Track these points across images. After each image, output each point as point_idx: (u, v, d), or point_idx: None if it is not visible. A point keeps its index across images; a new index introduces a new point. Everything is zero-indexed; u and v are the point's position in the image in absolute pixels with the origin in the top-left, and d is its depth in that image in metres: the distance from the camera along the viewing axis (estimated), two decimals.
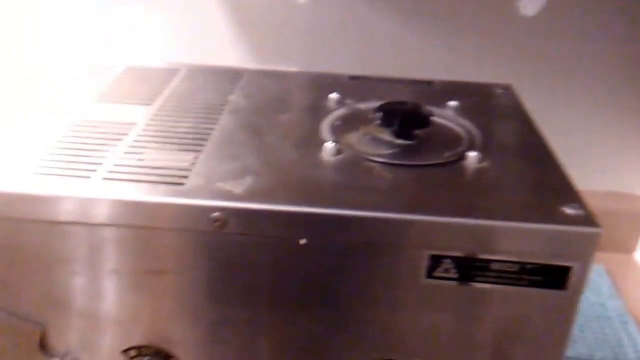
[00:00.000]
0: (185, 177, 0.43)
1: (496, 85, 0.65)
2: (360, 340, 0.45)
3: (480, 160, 0.47)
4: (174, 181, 0.42)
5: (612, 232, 0.87)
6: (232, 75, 0.64)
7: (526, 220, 0.40)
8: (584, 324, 0.77)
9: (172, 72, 0.64)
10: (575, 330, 0.75)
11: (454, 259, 0.41)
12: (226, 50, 0.84)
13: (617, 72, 0.82)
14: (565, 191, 0.43)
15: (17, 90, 0.58)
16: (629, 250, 0.91)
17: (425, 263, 0.41)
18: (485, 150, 0.49)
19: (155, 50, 0.84)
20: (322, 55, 0.84)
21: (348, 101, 0.58)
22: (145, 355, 0.46)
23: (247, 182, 0.43)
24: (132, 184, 0.42)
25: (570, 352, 0.70)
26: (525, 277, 0.41)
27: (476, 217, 0.40)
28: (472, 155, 0.47)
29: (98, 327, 0.45)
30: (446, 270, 0.41)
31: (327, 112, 0.56)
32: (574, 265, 0.40)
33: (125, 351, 0.46)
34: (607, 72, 0.82)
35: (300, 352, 0.45)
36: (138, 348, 0.46)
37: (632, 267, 0.89)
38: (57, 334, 0.46)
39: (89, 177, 0.43)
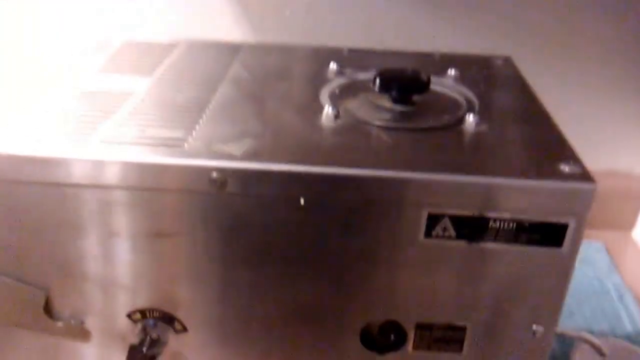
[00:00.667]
0: (185, 140, 0.43)
1: (496, 57, 0.65)
2: (360, 300, 0.45)
3: (479, 124, 0.47)
4: (174, 144, 0.43)
5: (610, 210, 0.88)
6: (231, 49, 0.64)
7: (523, 177, 0.40)
8: (582, 298, 0.77)
9: (171, 46, 0.65)
10: (574, 305, 0.76)
11: (452, 217, 0.41)
12: (225, 25, 0.84)
13: (616, 48, 0.82)
14: (562, 150, 0.44)
15: (20, 65, 0.59)
16: (627, 227, 0.92)
17: (423, 222, 0.41)
18: (483, 115, 0.49)
19: (154, 25, 0.84)
20: (321, 30, 0.84)
21: (347, 71, 0.59)
22: (150, 318, 0.47)
23: (247, 144, 0.43)
24: (132, 146, 0.42)
25: (568, 324, 0.71)
26: (523, 235, 0.41)
27: (474, 175, 0.40)
28: (471, 118, 0.47)
29: (102, 291, 0.46)
30: (444, 229, 0.41)
31: (326, 81, 0.56)
32: (571, 221, 0.40)
33: (130, 314, 0.47)
34: (606, 47, 0.82)
35: (301, 312, 0.46)
36: (142, 311, 0.47)
37: (630, 244, 0.90)
38: (62, 297, 0.46)
39: (91, 141, 0.43)
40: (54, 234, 0.44)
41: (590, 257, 0.85)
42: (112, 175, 0.41)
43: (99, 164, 0.41)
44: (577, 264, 0.42)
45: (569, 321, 0.72)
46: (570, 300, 0.70)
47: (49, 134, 0.44)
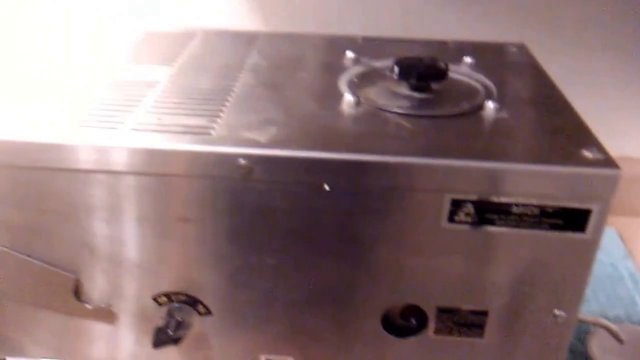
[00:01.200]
0: (211, 127, 0.44)
1: (510, 44, 0.65)
2: (382, 284, 0.46)
3: (499, 110, 0.48)
4: (201, 131, 0.43)
5: (623, 196, 0.88)
6: (248, 38, 0.65)
7: (547, 162, 0.40)
8: (596, 284, 0.78)
9: (189, 35, 0.65)
10: (589, 291, 0.76)
11: (475, 202, 0.42)
12: (236, 15, 0.84)
13: (628, 34, 0.82)
14: (584, 136, 0.44)
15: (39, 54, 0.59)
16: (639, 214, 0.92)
17: (446, 207, 0.42)
18: (502, 101, 0.49)
19: (167, 15, 0.85)
20: (331, 19, 0.84)
21: (364, 60, 0.59)
22: (175, 301, 0.48)
23: (271, 131, 0.44)
24: (160, 134, 0.43)
25: (583, 310, 0.71)
26: (546, 220, 0.42)
27: (497, 160, 0.41)
28: (490, 105, 0.48)
29: (129, 275, 0.47)
30: (467, 214, 0.42)
31: (344, 69, 0.57)
32: (594, 207, 0.41)
33: (156, 298, 0.48)
34: (617, 33, 0.82)
35: (323, 297, 0.47)
36: (167, 294, 0.48)
37: None
38: (90, 281, 0.47)
39: (118, 128, 0.44)
40: (83, 219, 0.44)
41: (604, 243, 0.85)
42: (141, 162, 0.42)
43: (128, 152, 0.42)
44: None
45: (584, 307, 0.73)
46: None
47: (80, 122, 0.45)
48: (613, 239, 0.87)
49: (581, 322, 0.65)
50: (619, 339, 0.63)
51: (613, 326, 0.63)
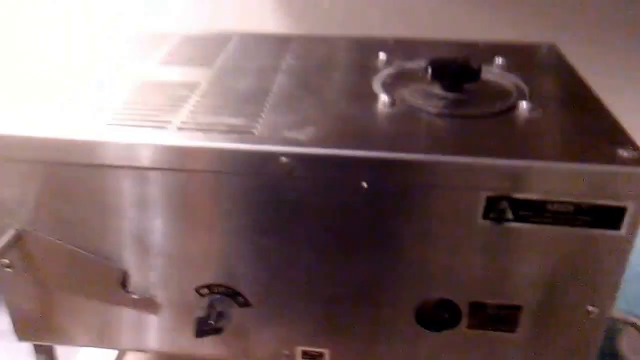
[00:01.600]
0: (254, 127, 0.46)
1: (540, 45, 0.66)
2: (416, 279, 0.47)
3: (532, 110, 0.49)
4: (244, 130, 0.45)
5: None
6: (282, 41, 0.67)
7: (581, 160, 0.41)
8: (624, 282, 0.77)
9: (225, 38, 0.67)
10: None
11: (509, 200, 0.43)
12: (264, 18, 0.86)
13: None
14: (618, 135, 0.45)
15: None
16: None
17: (481, 205, 0.43)
18: (535, 101, 0.50)
19: (199, 19, 0.87)
20: (359, 21, 0.85)
21: (396, 61, 0.60)
22: (216, 293, 0.50)
23: (310, 130, 0.45)
24: (205, 133, 0.45)
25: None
26: (580, 217, 0.43)
27: (532, 159, 0.42)
28: (524, 105, 0.49)
29: (173, 267, 0.49)
30: (502, 212, 0.43)
31: (377, 70, 0.58)
32: (629, 205, 0.42)
33: (198, 289, 0.50)
34: None
35: (359, 291, 0.48)
36: (209, 286, 0.50)
37: None
38: (137, 273, 0.50)
39: (165, 127, 0.46)
40: (132, 213, 0.47)
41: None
42: (188, 160, 0.44)
43: (172, 149, 0.44)
44: None
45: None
46: None
47: (127, 122, 0.47)
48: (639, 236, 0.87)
49: (612, 319, 0.65)
50: None
51: None
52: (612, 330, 0.66)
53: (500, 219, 0.43)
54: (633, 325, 0.64)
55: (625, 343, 0.64)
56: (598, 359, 0.63)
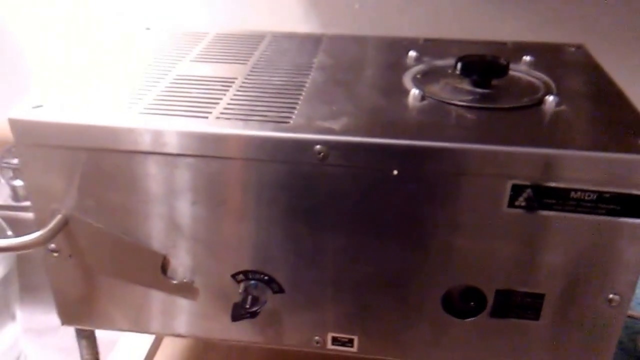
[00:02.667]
0: (289, 117, 0.48)
1: (569, 45, 0.67)
2: (443, 267, 0.49)
3: (558, 105, 0.50)
4: (280, 120, 0.48)
5: None
6: (314, 40, 0.69)
7: (605, 150, 0.43)
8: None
9: (259, 37, 0.70)
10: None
11: (534, 188, 0.44)
12: (295, 19, 0.89)
13: None
14: None
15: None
16: None
17: (507, 192, 0.45)
18: (562, 97, 0.51)
19: (233, 20, 0.90)
20: (389, 22, 0.87)
21: (426, 59, 0.62)
22: (251, 279, 0.52)
23: (344, 121, 0.48)
24: (243, 122, 0.48)
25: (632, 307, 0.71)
26: (604, 206, 0.44)
27: (556, 147, 0.43)
28: (550, 99, 0.50)
29: (211, 253, 0.52)
30: (527, 199, 0.45)
31: (407, 67, 0.60)
32: None
33: (234, 275, 0.52)
34: None
35: (387, 277, 0.50)
36: (245, 272, 0.52)
37: None
38: (176, 259, 0.52)
39: (206, 117, 0.49)
40: (172, 200, 0.50)
41: None
42: (226, 148, 0.47)
43: (213, 137, 0.47)
44: None
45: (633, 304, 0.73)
46: None
47: (168, 111, 0.50)
48: None
49: (631, 317, 0.66)
50: None
51: None
52: (634, 331, 0.67)
53: (525, 206, 0.45)
54: None
55: None
56: (619, 358, 0.63)
